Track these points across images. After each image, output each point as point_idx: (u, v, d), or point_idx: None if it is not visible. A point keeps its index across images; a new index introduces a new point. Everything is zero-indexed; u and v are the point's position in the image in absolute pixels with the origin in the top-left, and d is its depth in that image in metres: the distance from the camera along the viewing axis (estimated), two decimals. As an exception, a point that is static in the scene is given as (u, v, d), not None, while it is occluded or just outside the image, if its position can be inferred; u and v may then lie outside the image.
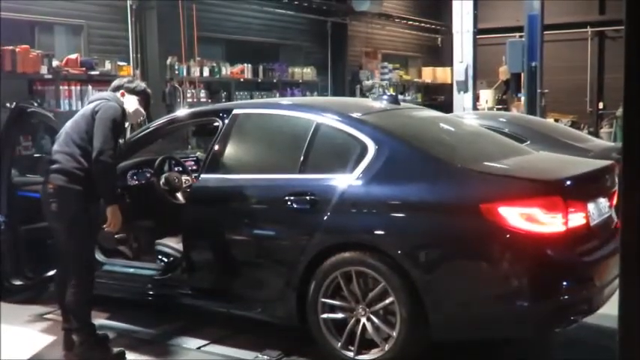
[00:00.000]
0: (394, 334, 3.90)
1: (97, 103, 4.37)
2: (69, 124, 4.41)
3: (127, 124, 4.83)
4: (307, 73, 13.60)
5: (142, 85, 4.72)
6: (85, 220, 4.26)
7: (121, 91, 4.56)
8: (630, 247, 1.88)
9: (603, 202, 4.21)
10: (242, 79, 12.11)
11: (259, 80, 12.51)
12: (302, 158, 4.33)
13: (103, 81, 8.28)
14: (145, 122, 7.25)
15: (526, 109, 11.30)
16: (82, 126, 4.30)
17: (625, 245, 1.91)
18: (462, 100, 11.31)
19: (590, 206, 4.01)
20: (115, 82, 4.67)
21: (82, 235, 4.27)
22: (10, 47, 7.98)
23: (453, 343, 4.11)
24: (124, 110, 4.43)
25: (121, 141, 4.73)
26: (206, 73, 11.29)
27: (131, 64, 9.86)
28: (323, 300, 4.10)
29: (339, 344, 4.06)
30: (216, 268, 4.64)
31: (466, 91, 11.30)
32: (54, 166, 4.25)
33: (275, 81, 12.77)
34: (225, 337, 4.66)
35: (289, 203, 4.21)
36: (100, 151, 4.15)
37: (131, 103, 4.54)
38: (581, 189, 4.06)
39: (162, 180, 5.50)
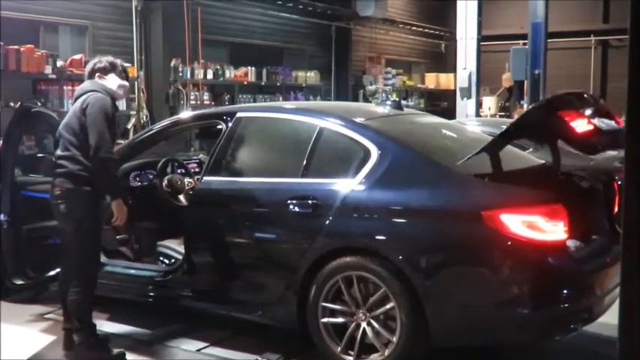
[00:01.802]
0: (394, 339, 3.89)
1: (84, 98, 4.30)
2: (63, 126, 4.35)
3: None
4: (311, 77, 13.62)
5: (110, 58, 4.57)
6: (93, 221, 4.27)
7: (97, 74, 4.47)
8: (632, 255, 1.89)
9: (606, 120, 4.53)
10: (245, 82, 12.13)
11: (263, 83, 12.53)
12: (305, 162, 4.33)
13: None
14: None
15: (529, 117, 11.29)
16: (76, 126, 4.25)
17: (627, 253, 1.91)
18: (464, 107, 11.30)
19: (594, 120, 4.35)
20: (88, 68, 4.56)
21: (89, 236, 4.27)
22: (15, 47, 8.01)
23: (452, 348, 4.11)
24: (111, 96, 4.39)
25: (122, 141, 4.70)
26: (210, 75, 11.32)
27: (135, 65, 9.88)
28: (323, 304, 4.10)
29: (339, 348, 4.06)
30: (218, 270, 4.64)
31: (469, 97, 11.29)
32: (59, 170, 4.25)
33: (278, 84, 12.80)
34: (224, 340, 4.66)
35: (291, 207, 4.21)
36: (97, 148, 4.12)
37: (112, 81, 4.47)
38: (574, 104, 4.42)
39: (165, 182, 5.52)
